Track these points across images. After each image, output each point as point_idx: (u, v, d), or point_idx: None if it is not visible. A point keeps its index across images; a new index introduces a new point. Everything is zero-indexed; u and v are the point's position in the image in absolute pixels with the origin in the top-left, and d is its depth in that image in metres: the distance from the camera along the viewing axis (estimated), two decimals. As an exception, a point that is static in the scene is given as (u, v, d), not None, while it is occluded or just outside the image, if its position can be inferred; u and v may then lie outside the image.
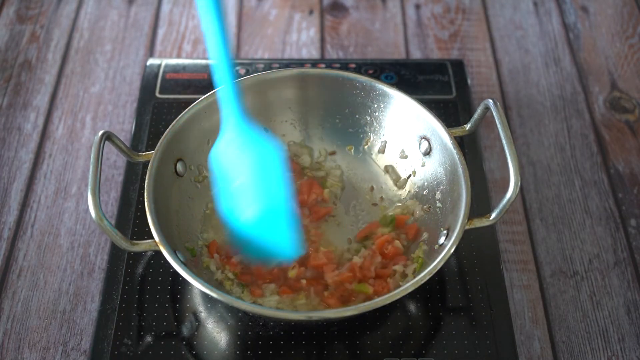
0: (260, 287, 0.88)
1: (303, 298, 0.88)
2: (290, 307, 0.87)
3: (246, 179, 0.80)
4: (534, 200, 1.08)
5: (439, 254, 0.81)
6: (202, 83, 1.14)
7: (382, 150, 1.00)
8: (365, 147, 1.01)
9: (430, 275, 0.78)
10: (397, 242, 0.91)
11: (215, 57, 0.75)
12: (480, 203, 0.99)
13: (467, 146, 1.05)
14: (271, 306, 0.86)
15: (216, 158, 0.84)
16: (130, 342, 0.86)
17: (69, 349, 0.91)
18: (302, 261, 0.90)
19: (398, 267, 0.89)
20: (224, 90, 0.79)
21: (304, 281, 0.89)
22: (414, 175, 0.97)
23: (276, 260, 0.87)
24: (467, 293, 0.92)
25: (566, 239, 1.04)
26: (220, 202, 0.84)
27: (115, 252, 0.94)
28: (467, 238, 0.94)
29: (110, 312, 0.89)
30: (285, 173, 0.81)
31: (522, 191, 1.09)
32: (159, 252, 0.79)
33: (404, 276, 0.88)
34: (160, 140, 0.89)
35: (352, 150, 1.02)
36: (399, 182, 0.98)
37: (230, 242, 0.88)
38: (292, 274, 0.89)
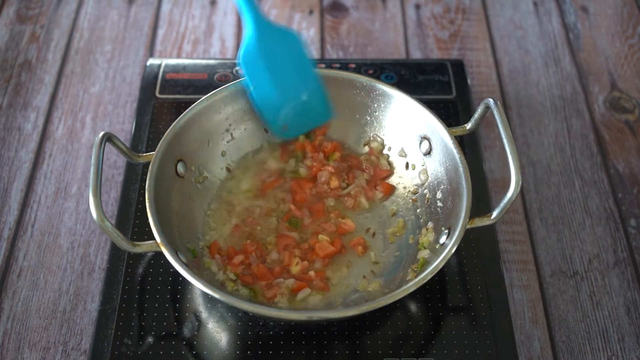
0: (273, 287, 0.89)
1: (318, 293, 0.89)
2: (303, 306, 0.87)
3: (279, 67, 0.95)
4: (534, 200, 1.08)
5: (441, 253, 0.81)
6: (202, 83, 1.14)
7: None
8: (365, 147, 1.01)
9: (433, 274, 0.78)
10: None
11: None
12: (480, 203, 0.99)
13: (467, 146, 1.05)
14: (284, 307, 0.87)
15: (249, 58, 0.93)
16: (130, 342, 0.86)
17: (69, 349, 0.91)
18: (305, 255, 0.91)
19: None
20: None
21: (312, 273, 0.89)
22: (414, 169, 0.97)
23: (318, 123, 1.01)
24: (467, 293, 0.92)
25: (566, 239, 1.04)
26: (259, 94, 0.95)
27: (115, 252, 0.94)
28: (467, 238, 0.94)
29: (110, 312, 0.89)
30: (305, 54, 0.96)
31: (522, 191, 1.09)
32: (160, 253, 0.79)
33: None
34: (161, 141, 0.89)
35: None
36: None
37: (273, 129, 0.99)
38: (295, 270, 0.89)
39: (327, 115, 1.00)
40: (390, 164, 0.99)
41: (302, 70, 0.96)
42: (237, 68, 1.15)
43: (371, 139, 1.01)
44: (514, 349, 0.87)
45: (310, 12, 1.35)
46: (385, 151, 1.00)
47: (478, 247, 0.96)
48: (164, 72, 1.15)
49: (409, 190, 0.97)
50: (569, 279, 1.00)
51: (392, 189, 0.98)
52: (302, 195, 0.97)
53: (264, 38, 0.93)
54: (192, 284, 0.78)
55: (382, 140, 1.00)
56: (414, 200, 0.96)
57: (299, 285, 0.88)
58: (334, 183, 0.97)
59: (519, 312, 0.96)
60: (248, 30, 0.92)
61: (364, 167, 1.00)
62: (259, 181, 0.99)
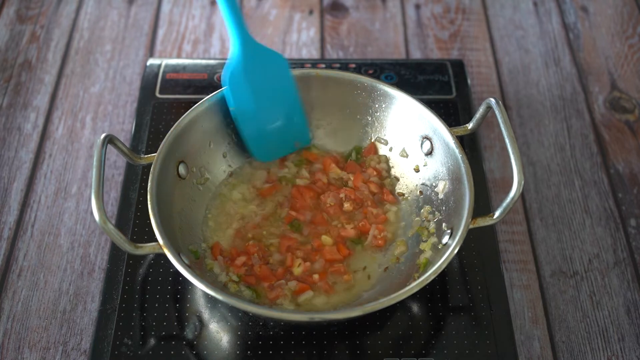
0: (276, 289, 0.88)
1: (323, 296, 0.88)
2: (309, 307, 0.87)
3: (261, 88, 0.94)
4: (534, 200, 1.08)
5: (443, 253, 0.81)
6: (202, 83, 1.14)
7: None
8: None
9: (436, 274, 0.78)
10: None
11: None
12: (481, 203, 0.99)
13: (467, 146, 1.05)
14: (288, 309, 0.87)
15: (232, 77, 0.92)
16: (130, 342, 0.86)
17: (69, 349, 0.91)
18: (308, 256, 0.91)
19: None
20: (226, 14, 0.90)
21: (316, 276, 0.89)
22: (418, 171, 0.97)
23: (296, 148, 1.01)
24: (467, 293, 0.92)
25: (566, 239, 1.04)
26: (240, 114, 0.95)
27: (115, 252, 0.94)
28: (467, 238, 0.94)
29: (110, 312, 0.89)
30: (290, 77, 0.96)
31: (522, 191, 1.09)
32: (161, 253, 0.79)
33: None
34: (162, 142, 0.89)
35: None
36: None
37: (252, 150, 0.98)
38: (297, 271, 0.89)
39: (305, 140, 1.01)
40: (393, 189, 0.99)
41: (286, 93, 0.96)
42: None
43: (374, 140, 1.00)
44: (514, 349, 0.87)
45: (310, 12, 1.35)
46: (386, 152, 1.00)
47: (478, 247, 0.96)
48: (164, 72, 1.15)
49: (411, 191, 0.97)
50: (569, 279, 1.00)
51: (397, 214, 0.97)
52: (302, 202, 0.97)
53: (249, 58, 0.92)
54: (193, 285, 0.78)
55: (387, 157, 1.00)
56: (417, 199, 0.96)
57: (302, 287, 0.88)
58: (344, 207, 0.96)
59: (519, 312, 0.96)
60: (234, 49, 0.92)
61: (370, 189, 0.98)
62: (260, 183, 0.99)
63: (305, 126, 0.99)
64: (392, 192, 0.98)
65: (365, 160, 1.00)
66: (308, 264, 0.90)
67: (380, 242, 0.93)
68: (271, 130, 0.97)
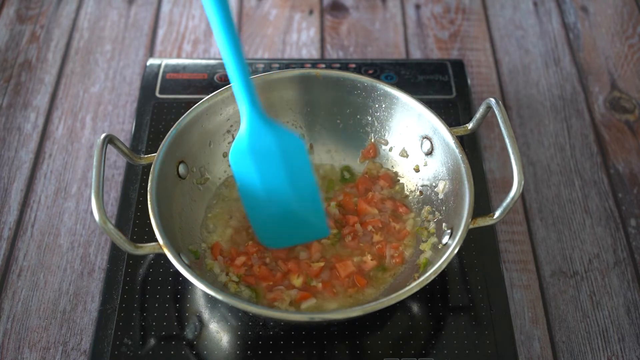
0: (275, 291, 0.88)
1: (334, 302, 0.88)
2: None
3: (272, 172, 0.84)
4: (534, 200, 1.08)
5: (443, 253, 0.81)
6: (202, 83, 1.14)
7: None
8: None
9: (436, 274, 0.78)
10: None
11: (224, 53, 0.76)
12: (481, 203, 0.99)
13: (467, 146, 1.05)
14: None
15: (238, 156, 0.85)
16: (130, 342, 0.86)
17: (69, 349, 0.91)
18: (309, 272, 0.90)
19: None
20: (237, 86, 0.79)
21: (319, 285, 0.89)
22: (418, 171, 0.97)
23: (310, 240, 0.91)
24: (467, 293, 0.92)
25: (566, 239, 1.04)
26: (247, 199, 0.87)
27: (115, 252, 0.94)
28: (467, 238, 0.94)
29: (110, 312, 0.89)
30: (307, 161, 0.85)
31: (522, 191, 1.09)
32: (161, 253, 0.79)
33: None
34: (162, 142, 0.89)
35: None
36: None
37: (257, 234, 0.91)
38: (297, 282, 0.89)
39: (321, 232, 0.90)
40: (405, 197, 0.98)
41: (299, 177, 0.85)
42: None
43: (374, 140, 1.00)
44: (514, 349, 0.87)
45: (310, 12, 1.35)
46: (386, 152, 1.00)
47: (478, 247, 0.96)
48: (164, 72, 1.15)
49: (411, 190, 0.97)
50: (569, 279, 1.00)
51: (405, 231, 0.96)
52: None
53: (258, 136, 0.82)
54: (193, 285, 0.78)
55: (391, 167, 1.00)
56: (417, 199, 0.96)
57: (303, 295, 0.87)
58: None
59: (519, 312, 0.96)
60: (242, 124, 0.83)
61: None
62: None
63: (323, 217, 0.89)
64: (403, 200, 0.97)
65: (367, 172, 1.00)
66: (305, 275, 0.89)
67: (397, 260, 0.91)
68: (280, 217, 0.87)
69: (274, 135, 0.83)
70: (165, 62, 1.17)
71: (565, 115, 1.19)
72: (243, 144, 0.83)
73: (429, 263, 0.87)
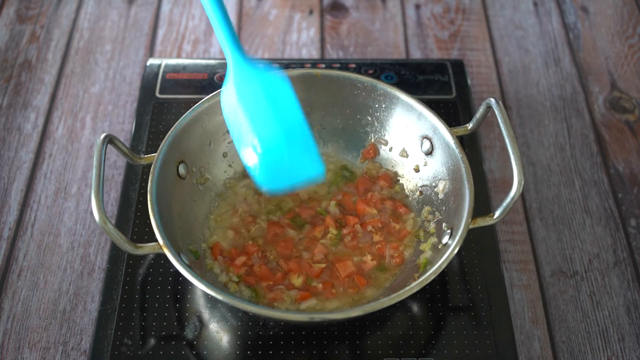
0: (275, 291, 0.88)
1: (334, 302, 0.88)
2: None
3: (259, 110, 0.83)
4: (534, 200, 1.08)
5: (443, 253, 0.81)
6: (202, 83, 1.14)
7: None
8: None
9: (436, 274, 0.78)
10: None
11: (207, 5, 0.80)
12: (481, 203, 0.99)
13: (467, 146, 1.05)
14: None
15: (228, 99, 0.85)
16: (130, 342, 0.86)
17: (69, 349, 0.91)
18: (318, 273, 0.90)
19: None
20: (220, 34, 0.83)
21: (319, 285, 0.89)
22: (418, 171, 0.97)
23: (304, 184, 0.87)
24: (467, 293, 0.92)
25: (566, 239, 1.04)
26: (239, 140, 0.85)
27: (115, 252, 0.94)
28: (467, 238, 0.94)
29: (110, 312, 0.89)
30: (294, 99, 0.84)
31: (522, 191, 1.09)
32: (161, 253, 0.79)
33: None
34: (162, 142, 0.88)
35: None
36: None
37: (256, 181, 0.86)
38: (297, 282, 0.89)
39: (317, 169, 0.85)
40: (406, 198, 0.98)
41: (288, 115, 0.84)
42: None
43: (374, 140, 1.00)
44: (514, 349, 0.87)
45: (310, 12, 1.35)
46: (386, 152, 1.00)
47: (478, 247, 0.96)
48: (164, 72, 1.15)
49: (411, 190, 0.97)
50: (569, 279, 1.00)
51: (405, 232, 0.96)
52: (305, 212, 0.96)
53: (243, 78, 0.84)
54: (193, 285, 0.78)
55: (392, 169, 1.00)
56: (417, 199, 0.96)
57: (303, 295, 0.87)
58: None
59: (519, 312, 0.96)
60: (228, 70, 0.85)
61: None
62: None
63: (315, 153, 0.85)
64: (403, 200, 0.97)
65: (367, 171, 1.00)
66: (306, 275, 0.89)
67: (397, 260, 0.91)
68: (274, 157, 0.83)
69: (258, 76, 0.84)
70: (165, 62, 1.17)
71: (565, 115, 1.19)
72: (230, 87, 0.84)
73: (429, 263, 0.87)
